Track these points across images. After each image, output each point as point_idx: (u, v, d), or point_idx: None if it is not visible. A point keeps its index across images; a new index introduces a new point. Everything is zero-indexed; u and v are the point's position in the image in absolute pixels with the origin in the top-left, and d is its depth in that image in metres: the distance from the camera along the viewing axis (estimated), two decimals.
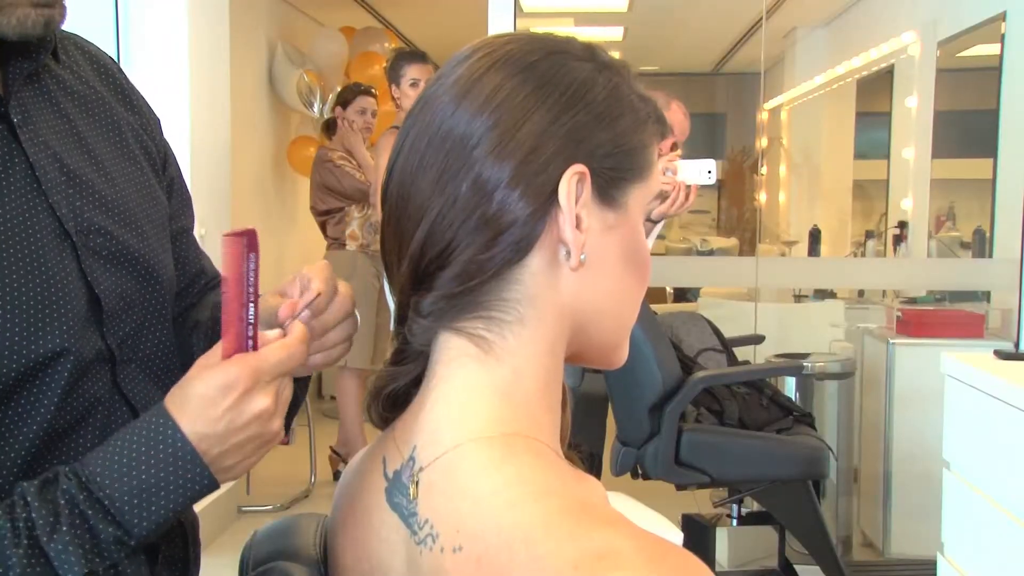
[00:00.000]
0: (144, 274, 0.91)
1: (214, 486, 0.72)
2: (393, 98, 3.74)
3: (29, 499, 0.67)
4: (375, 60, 5.61)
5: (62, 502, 0.67)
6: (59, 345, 0.79)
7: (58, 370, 0.79)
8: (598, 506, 0.60)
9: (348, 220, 4.18)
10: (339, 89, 4.85)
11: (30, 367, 0.77)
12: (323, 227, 4.27)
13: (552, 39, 0.70)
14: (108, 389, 0.86)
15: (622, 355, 0.75)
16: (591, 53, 0.70)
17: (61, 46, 0.92)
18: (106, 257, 0.87)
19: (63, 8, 0.81)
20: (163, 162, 1.02)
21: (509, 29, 3.06)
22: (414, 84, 3.62)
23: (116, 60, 1.01)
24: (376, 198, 3.96)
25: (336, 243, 4.20)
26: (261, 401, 0.71)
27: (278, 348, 0.73)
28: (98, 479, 0.69)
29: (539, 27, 6.28)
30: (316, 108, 5.43)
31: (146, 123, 1.01)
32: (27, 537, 0.65)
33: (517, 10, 3.11)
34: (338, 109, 4.40)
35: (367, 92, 4.38)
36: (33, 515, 0.66)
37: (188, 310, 1.05)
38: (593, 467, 3.23)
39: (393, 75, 3.67)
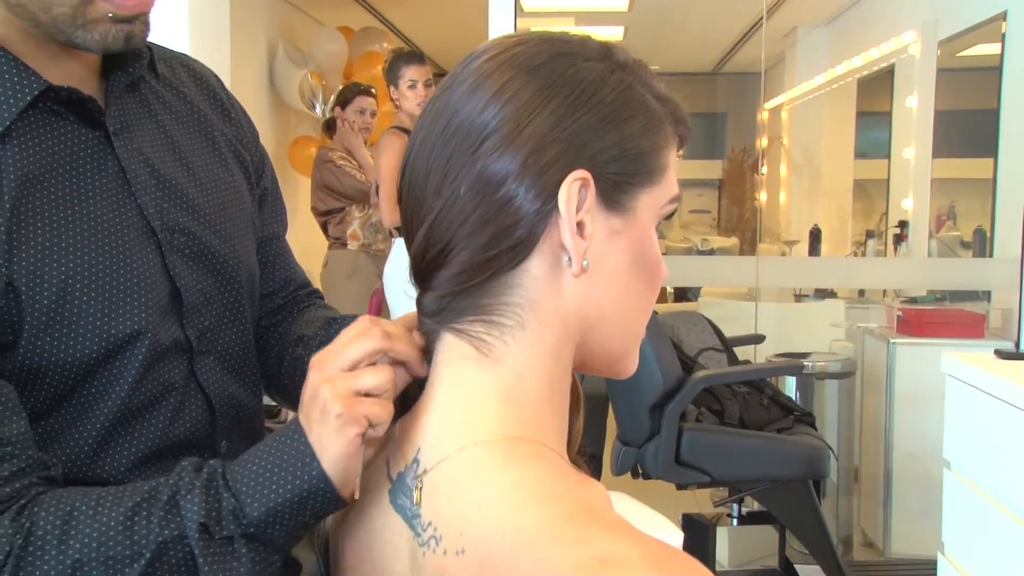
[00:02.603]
0: (224, 273, 0.98)
1: (324, 481, 0.71)
2: (392, 99, 3.74)
3: (186, 468, 0.76)
4: (377, 60, 5.61)
5: (205, 472, 0.75)
6: (135, 327, 0.86)
7: (135, 351, 0.87)
8: (602, 511, 0.59)
9: (349, 220, 4.18)
10: (340, 89, 4.85)
11: (110, 347, 0.85)
12: (324, 227, 4.27)
13: (564, 39, 0.69)
14: (184, 376, 0.93)
15: (630, 365, 0.74)
16: (606, 53, 0.69)
17: (168, 64, 1.02)
18: (188, 255, 0.94)
19: (145, 25, 0.88)
20: (259, 172, 1.11)
21: (510, 29, 3.06)
22: (412, 85, 3.62)
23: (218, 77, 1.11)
24: (376, 197, 3.96)
25: (338, 243, 4.20)
26: (326, 388, 0.71)
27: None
28: (235, 464, 0.76)
29: (540, 27, 6.29)
30: (319, 109, 5.43)
31: (242, 134, 1.08)
32: (171, 492, 0.74)
33: (518, 10, 3.10)
34: (337, 109, 4.41)
35: (366, 92, 4.39)
36: (183, 480, 0.74)
37: (282, 318, 1.12)
38: (594, 468, 3.23)
39: (391, 76, 3.67)
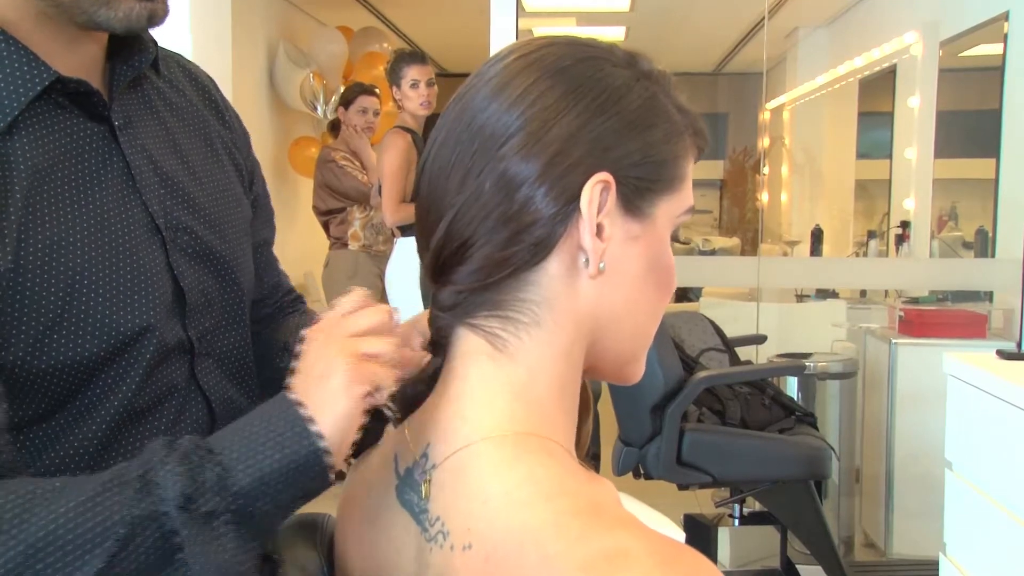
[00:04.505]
0: (225, 274, 0.96)
1: (320, 448, 0.65)
2: (394, 99, 3.74)
3: (157, 445, 0.68)
4: (378, 60, 5.61)
5: (180, 446, 0.67)
6: (143, 323, 0.85)
7: (142, 348, 0.85)
8: (609, 507, 0.60)
9: (350, 220, 4.18)
10: (342, 89, 4.85)
11: (118, 343, 0.83)
12: (326, 227, 4.27)
13: (592, 44, 0.70)
14: (186, 378, 0.91)
15: (638, 370, 0.74)
16: (631, 61, 0.70)
17: (164, 63, 1.00)
18: (191, 255, 0.92)
19: (165, 4, 0.87)
20: (251, 178, 1.10)
21: (511, 29, 3.06)
22: (414, 85, 3.62)
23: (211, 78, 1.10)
24: (376, 199, 3.96)
25: (339, 243, 4.21)
26: (332, 347, 0.68)
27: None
28: (217, 434, 0.69)
29: (541, 27, 6.27)
30: (320, 109, 5.43)
31: (236, 138, 1.07)
32: (142, 470, 0.66)
33: (519, 9, 3.10)
34: (340, 109, 4.40)
35: (369, 91, 4.38)
36: (156, 455, 0.67)
37: (268, 323, 1.12)
38: (594, 467, 3.21)
39: (394, 77, 3.67)
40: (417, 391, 0.73)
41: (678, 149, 0.69)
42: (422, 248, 0.71)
